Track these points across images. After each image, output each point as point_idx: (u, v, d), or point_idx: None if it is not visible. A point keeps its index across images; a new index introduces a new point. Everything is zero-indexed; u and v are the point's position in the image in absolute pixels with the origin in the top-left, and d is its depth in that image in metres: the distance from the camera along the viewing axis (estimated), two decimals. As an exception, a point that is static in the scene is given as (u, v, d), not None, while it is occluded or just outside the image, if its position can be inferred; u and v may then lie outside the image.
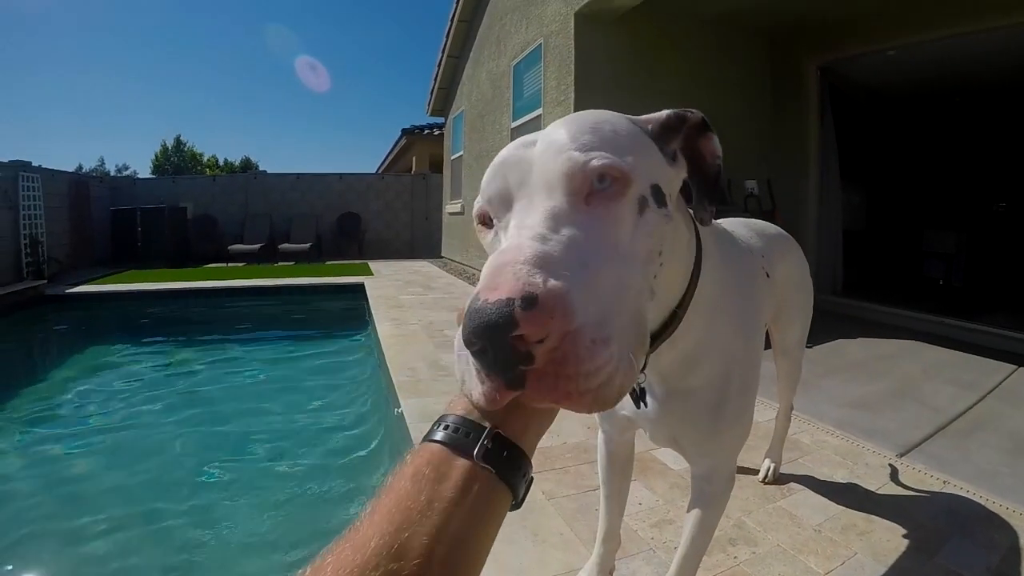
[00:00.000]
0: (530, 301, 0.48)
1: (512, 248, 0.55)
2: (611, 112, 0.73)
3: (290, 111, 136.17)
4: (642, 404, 1.11)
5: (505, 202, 0.67)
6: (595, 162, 0.63)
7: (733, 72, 6.36)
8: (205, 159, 45.68)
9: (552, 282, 0.50)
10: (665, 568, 1.72)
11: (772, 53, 6.58)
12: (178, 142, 44.22)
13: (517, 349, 0.48)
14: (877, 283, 7.03)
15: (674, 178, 0.76)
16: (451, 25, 10.10)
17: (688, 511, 1.34)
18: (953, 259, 7.13)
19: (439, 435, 0.56)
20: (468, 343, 0.50)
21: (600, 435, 1.54)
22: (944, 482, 2.34)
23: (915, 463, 2.50)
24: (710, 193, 0.81)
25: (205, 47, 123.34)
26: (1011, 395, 3.31)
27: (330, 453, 3.46)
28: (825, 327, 4.64)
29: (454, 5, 9.72)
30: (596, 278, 0.55)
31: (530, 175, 0.65)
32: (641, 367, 0.59)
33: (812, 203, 6.27)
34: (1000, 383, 3.49)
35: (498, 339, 0.48)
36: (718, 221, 1.25)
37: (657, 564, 1.76)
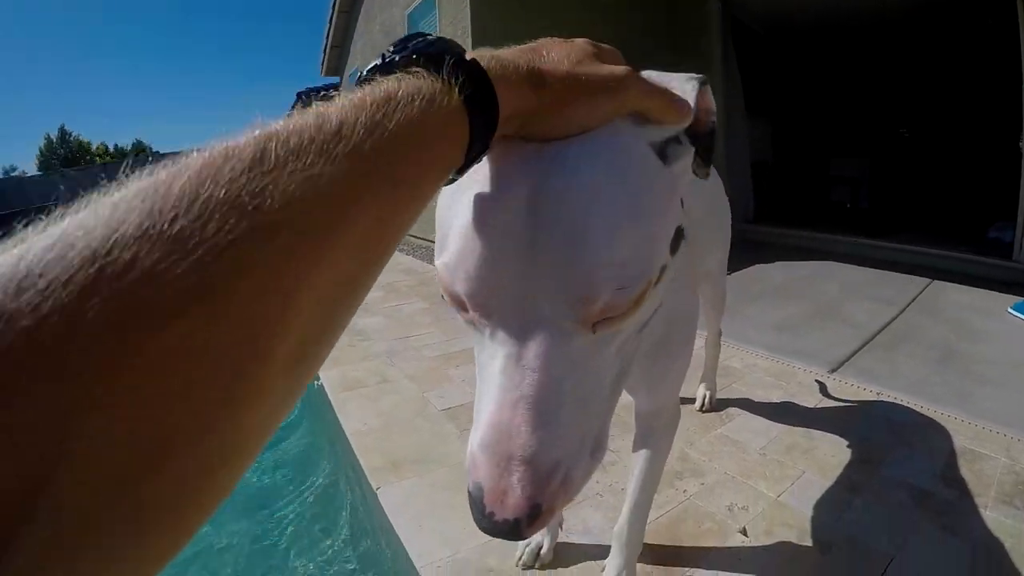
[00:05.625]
0: (536, 513, 0.46)
1: (515, 426, 0.46)
2: (632, 147, 0.48)
3: (178, 83, 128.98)
4: None
5: (491, 306, 0.47)
6: (625, 295, 0.45)
7: (637, 7, 6.19)
8: (94, 147, 42.77)
9: (556, 485, 0.47)
10: (615, 511, 1.61)
11: (674, -13, 6.43)
12: (63, 133, 41.12)
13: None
14: (787, 210, 7.15)
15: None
16: (340, -22, 9.56)
17: (636, 450, 1.24)
18: (859, 184, 7.33)
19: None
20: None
21: None
22: (877, 393, 2.33)
23: (847, 377, 2.49)
24: (705, 153, 0.61)
25: (77, 23, 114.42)
26: (929, 307, 3.38)
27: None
28: (742, 254, 4.64)
29: (342, -44, 9.18)
30: (585, 431, 0.50)
31: (532, 269, 0.44)
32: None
33: (719, 136, 6.25)
34: (916, 296, 3.56)
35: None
36: None
37: (606, 509, 1.65)
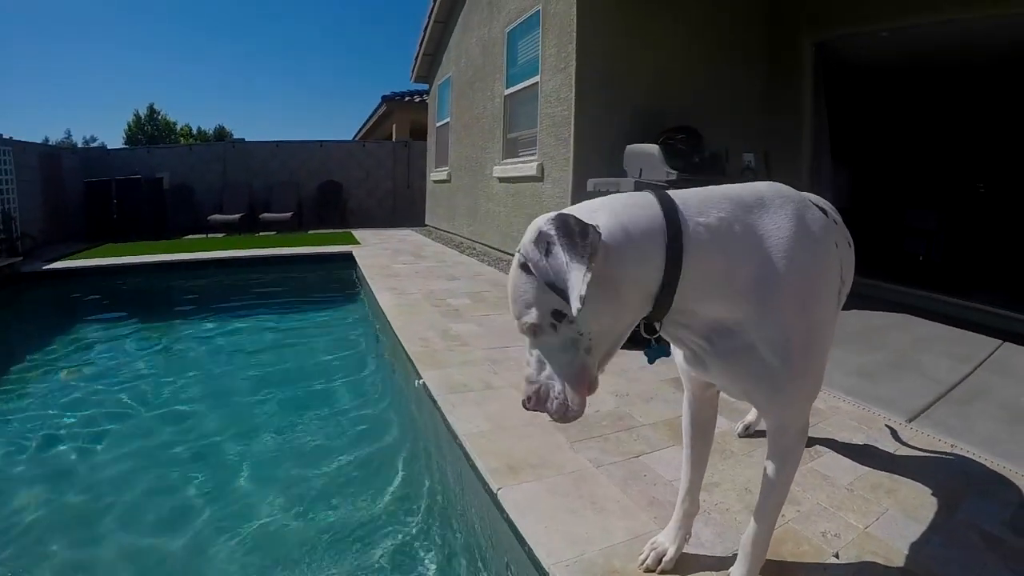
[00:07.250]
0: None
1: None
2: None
3: (264, 77, 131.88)
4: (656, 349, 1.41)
5: None
6: (521, 324, 1.20)
7: (733, 41, 6.41)
8: (179, 128, 44.27)
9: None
10: (725, 528, 1.89)
11: (770, 25, 6.61)
12: (151, 111, 42.60)
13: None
14: (862, 258, 7.21)
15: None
16: (439, -11, 9.94)
17: (765, 467, 1.47)
18: (934, 237, 7.39)
19: None
20: None
21: (685, 396, 1.68)
22: (952, 446, 2.53)
23: (924, 428, 2.70)
24: None
25: (175, 9, 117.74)
26: (1001, 368, 3.53)
27: (335, 424, 3.55)
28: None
29: (443, -31, 9.55)
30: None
31: None
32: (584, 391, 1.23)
33: (804, 178, 6.38)
34: (989, 356, 3.72)
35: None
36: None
37: (715, 525, 1.91)
